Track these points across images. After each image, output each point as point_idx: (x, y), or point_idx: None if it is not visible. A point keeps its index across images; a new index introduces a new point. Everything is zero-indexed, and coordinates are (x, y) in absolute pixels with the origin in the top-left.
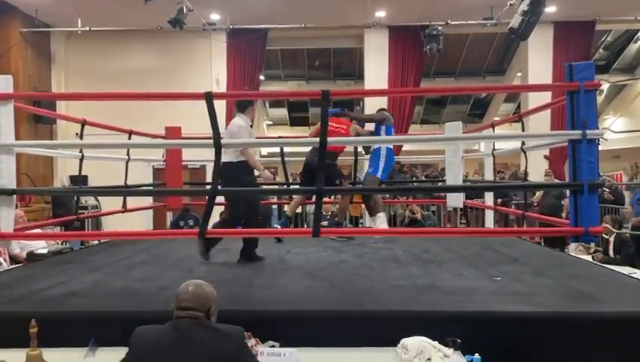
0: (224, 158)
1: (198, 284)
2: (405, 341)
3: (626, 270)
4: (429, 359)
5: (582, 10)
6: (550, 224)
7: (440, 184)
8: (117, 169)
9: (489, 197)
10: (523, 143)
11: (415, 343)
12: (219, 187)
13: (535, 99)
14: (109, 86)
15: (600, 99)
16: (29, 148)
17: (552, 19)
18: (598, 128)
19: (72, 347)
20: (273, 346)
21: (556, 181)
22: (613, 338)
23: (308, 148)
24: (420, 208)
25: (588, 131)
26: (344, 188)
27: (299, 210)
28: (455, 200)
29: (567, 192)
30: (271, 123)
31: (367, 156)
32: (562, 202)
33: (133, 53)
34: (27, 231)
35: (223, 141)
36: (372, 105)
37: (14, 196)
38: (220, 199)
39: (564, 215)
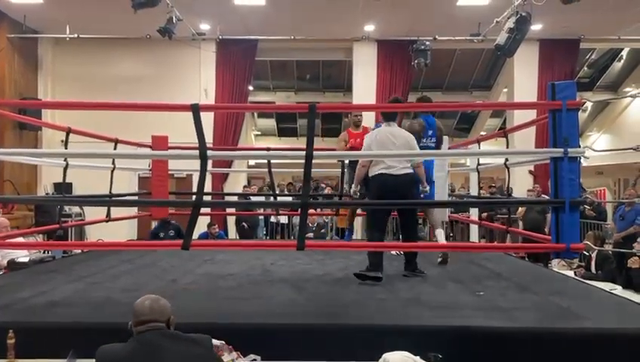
0: (405, 170)
1: (153, 298)
2: (387, 356)
3: (606, 286)
4: None
5: (567, 28)
6: (533, 239)
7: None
8: (102, 176)
9: (474, 212)
10: (506, 160)
11: (397, 358)
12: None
13: (520, 115)
14: (96, 93)
15: (584, 115)
16: (13, 156)
17: (538, 36)
18: (579, 146)
19: (51, 358)
20: (255, 360)
21: (541, 197)
22: (593, 354)
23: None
24: None
25: (570, 149)
26: (329, 202)
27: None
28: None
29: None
30: (259, 133)
31: None
32: (546, 216)
33: (122, 61)
34: (8, 241)
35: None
36: None
37: None
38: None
39: (547, 230)
